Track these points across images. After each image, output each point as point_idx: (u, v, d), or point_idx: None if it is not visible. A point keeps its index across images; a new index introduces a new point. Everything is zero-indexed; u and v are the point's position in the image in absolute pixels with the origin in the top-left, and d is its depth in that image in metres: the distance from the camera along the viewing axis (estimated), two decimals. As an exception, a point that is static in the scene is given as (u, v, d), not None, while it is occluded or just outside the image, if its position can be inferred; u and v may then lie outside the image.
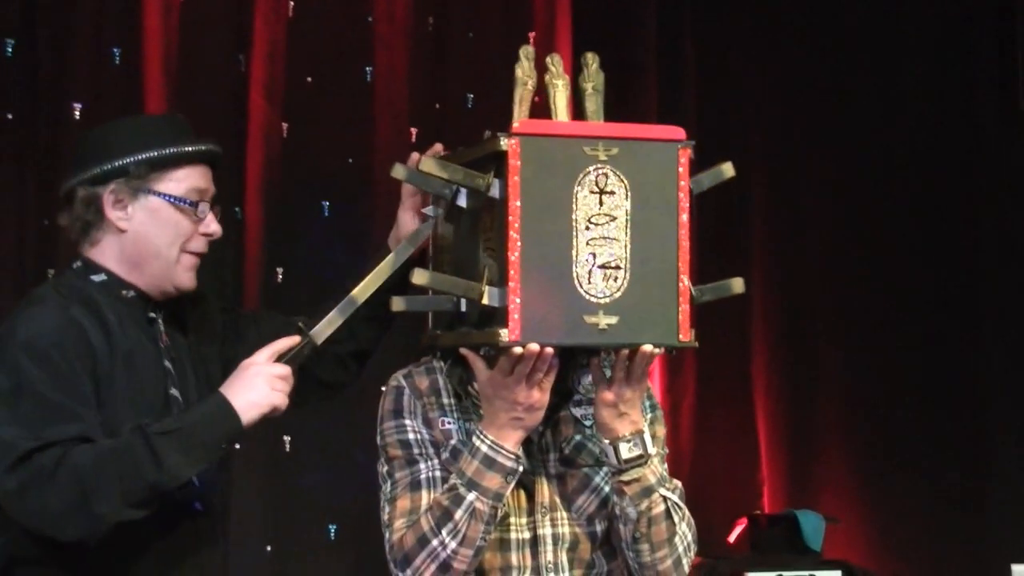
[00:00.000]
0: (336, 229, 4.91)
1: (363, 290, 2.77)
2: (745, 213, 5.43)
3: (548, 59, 2.55)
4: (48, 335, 2.67)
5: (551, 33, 5.11)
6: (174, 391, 2.81)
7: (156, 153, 2.77)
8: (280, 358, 2.71)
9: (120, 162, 2.76)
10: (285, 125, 4.88)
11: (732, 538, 5.07)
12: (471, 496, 2.58)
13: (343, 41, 4.97)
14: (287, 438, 4.73)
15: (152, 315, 2.84)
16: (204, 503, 2.82)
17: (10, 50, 4.60)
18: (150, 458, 2.58)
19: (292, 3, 4.88)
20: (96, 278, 2.80)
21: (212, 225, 2.84)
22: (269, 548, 4.71)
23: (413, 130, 4.98)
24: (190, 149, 2.79)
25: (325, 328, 2.74)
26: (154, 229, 2.76)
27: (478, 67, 5.06)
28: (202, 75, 4.83)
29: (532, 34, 5.10)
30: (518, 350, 2.46)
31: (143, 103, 4.72)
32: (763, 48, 5.50)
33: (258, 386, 2.67)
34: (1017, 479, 5.44)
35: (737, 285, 2.63)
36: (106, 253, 2.80)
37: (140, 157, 2.75)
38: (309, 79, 4.91)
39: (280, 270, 4.83)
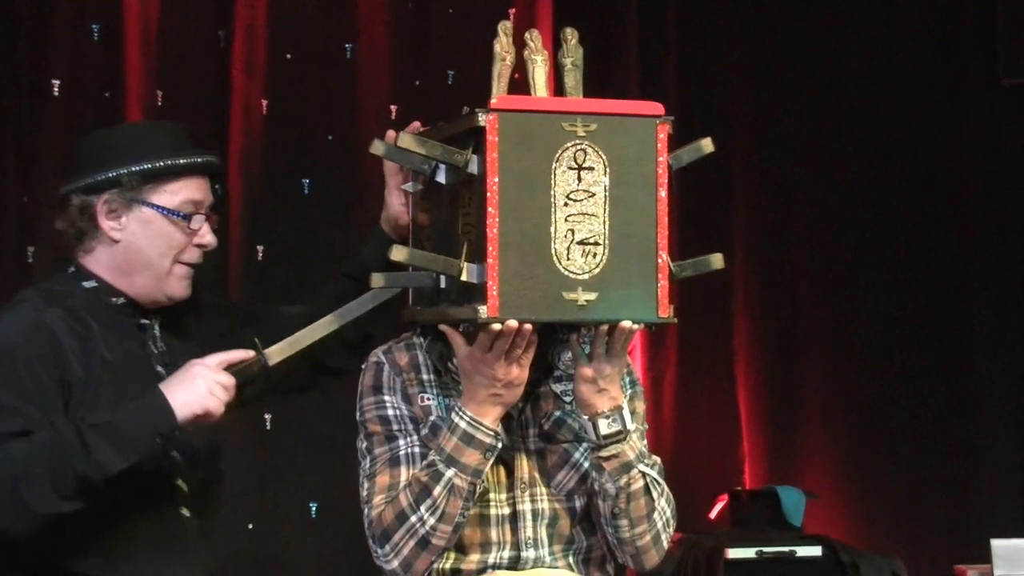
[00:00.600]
0: (317, 206, 4.89)
1: (319, 328, 2.74)
2: (727, 189, 5.42)
3: (527, 34, 2.55)
4: (11, 337, 2.68)
5: (532, 9, 5.09)
6: None
7: (150, 165, 2.78)
8: (230, 368, 2.70)
9: (114, 172, 2.78)
10: (265, 102, 4.86)
11: (713, 514, 5.08)
12: (450, 472, 2.59)
13: (323, 18, 4.94)
14: (268, 415, 4.73)
15: (144, 321, 2.85)
16: (188, 480, 2.82)
17: (-12, 26, 4.59)
18: (80, 449, 2.57)
19: (273, -22, 4.86)
20: (87, 284, 2.81)
21: (206, 236, 2.85)
22: (251, 526, 4.71)
23: (394, 107, 4.96)
24: (183, 161, 2.80)
25: (281, 351, 2.73)
26: (146, 240, 2.77)
27: (459, 44, 5.04)
28: (182, 52, 4.81)
29: (512, 10, 5.07)
30: (497, 326, 2.47)
31: (123, 79, 4.71)
32: (745, 23, 5.48)
33: (198, 388, 2.66)
34: (998, 453, 5.45)
35: (716, 261, 2.63)
36: (99, 261, 2.81)
37: (134, 168, 2.77)
38: (289, 56, 4.89)
39: (260, 247, 4.82)
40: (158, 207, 2.78)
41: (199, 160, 2.84)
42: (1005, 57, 5.42)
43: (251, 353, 2.71)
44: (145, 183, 2.77)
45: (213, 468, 2.92)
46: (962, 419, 5.47)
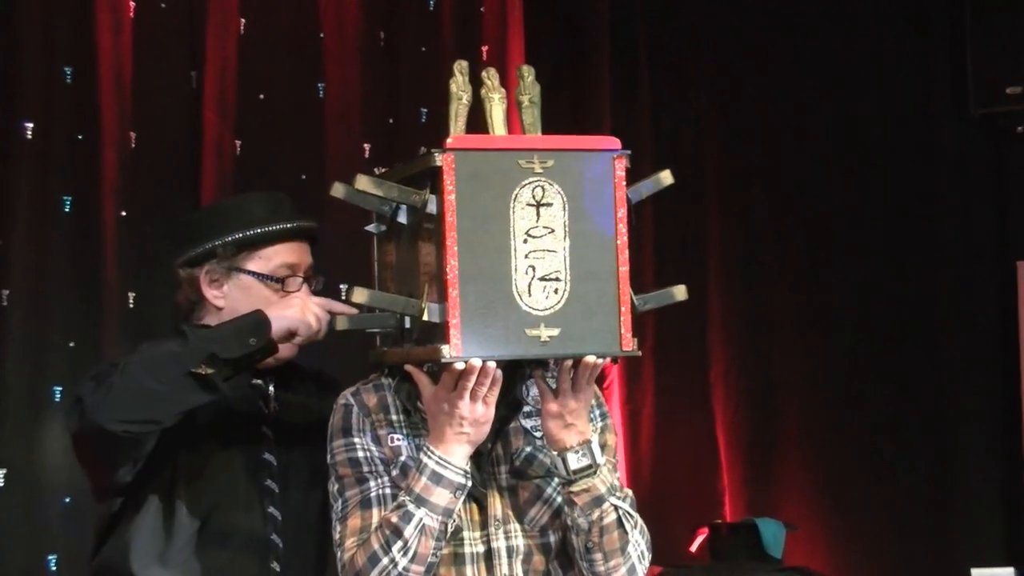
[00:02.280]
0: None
1: (377, 321, 2.72)
2: (701, 221, 5.43)
3: (484, 73, 2.56)
4: None
5: (503, 47, 5.11)
6: (268, 455, 2.97)
7: (242, 234, 2.95)
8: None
9: (210, 244, 2.95)
10: (238, 142, 4.85)
11: (694, 547, 5.08)
12: (420, 512, 2.58)
13: (295, 58, 4.95)
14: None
15: (257, 382, 3.00)
16: (283, 539, 2.96)
17: (-42, 70, 4.58)
18: (177, 342, 2.79)
19: (243, 20, 4.86)
20: None
21: (304, 296, 2.95)
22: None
23: (366, 145, 4.96)
24: (274, 228, 2.97)
25: (347, 322, 2.70)
26: (246, 305, 2.89)
27: (431, 81, 5.04)
28: (155, 93, 4.80)
29: (484, 47, 5.10)
30: (460, 365, 2.46)
31: (97, 122, 4.69)
32: (718, 56, 5.52)
33: (293, 306, 2.83)
34: (976, 484, 5.46)
35: (680, 292, 2.64)
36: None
37: (228, 239, 2.94)
38: (261, 96, 4.89)
39: (235, 287, 4.80)
40: (254, 273, 2.94)
41: (289, 226, 3.00)
42: (975, 87, 5.45)
43: (353, 310, 2.77)
44: (240, 251, 2.94)
45: (310, 531, 3.00)
46: (941, 449, 5.47)
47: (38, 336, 4.61)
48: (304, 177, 4.90)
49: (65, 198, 4.68)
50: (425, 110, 5.03)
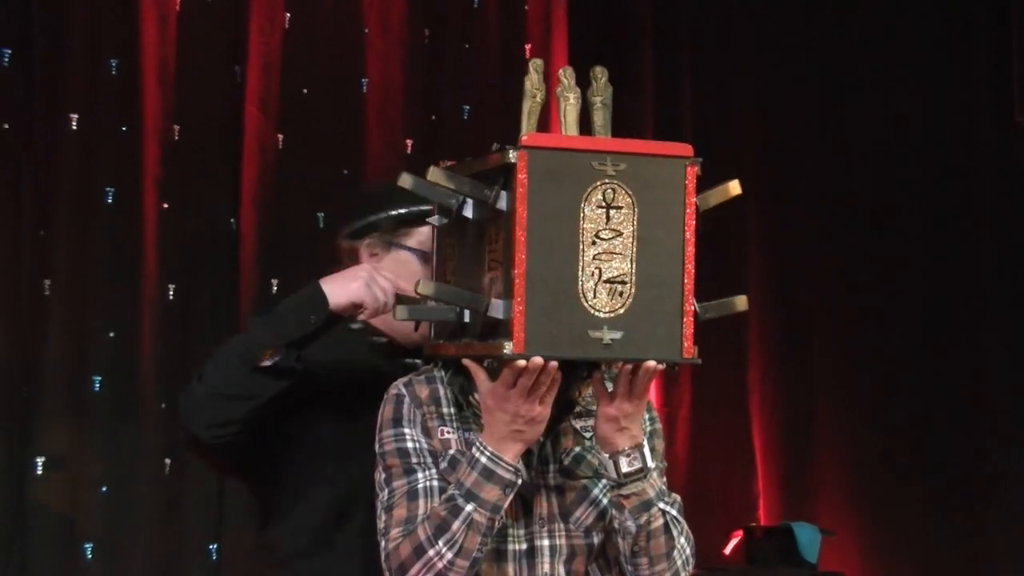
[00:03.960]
0: (331, 241, 4.87)
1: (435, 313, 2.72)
2: (742, 225, 5.43)
3: (560, 72, 2.54)
4: None
5: (547, 45, 5.11)
6: None
7: (405, 210, 2.97)
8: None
9: (373, 218, 2.99)
10: (280, 137, 4.87)
11: (728, 550, 5.07)
12: (469, 507, 2.57)
13: (338, 53, 4.96)
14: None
15: (408, 361, 2.99)
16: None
17: (7, 60, 4.60)
18: (241, 337, 2.82)
19: (288, 15, 4.88)
20: (355, 326, 3.00)
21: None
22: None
23: (408, 142, 4.97)
24: (426, 207, 2.95)
25: (402, 312, 2.66)
26: (401, 280, 2.90)
27: (473, 78, 5.06)
28: (198, 87, 4.82)
29: (528, 45, 5.10)
30: (522, 363, 2.45)
31: (141, 115, 4.72)
32: (760, 62, 5.51)
33: (358, 277, 2.82)
34: (1013, 491, 5.44)
35: (741, 303, 2.63)
36: None
37: (391, 213, 2.97)
38: (304, 91, 4.90)
39: (275, 281, 4.82)
40: (411, 249, 2.97)
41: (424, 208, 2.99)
42: (1020, 94, 5.44)
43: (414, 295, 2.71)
44: (400, 227, 2.97)
45: None
46: (978, 455, 5.46)
47: (79, 326, 4.64)
48: (346, 172, 4.92)
49: (108, 189, 4.71)
50: (467, 107, 5.04)
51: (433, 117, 5.04)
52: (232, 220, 4.81)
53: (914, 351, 5.47)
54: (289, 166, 4.88)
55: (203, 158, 4.81)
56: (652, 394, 5.11)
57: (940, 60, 5.56)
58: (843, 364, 5.45)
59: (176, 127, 4.76)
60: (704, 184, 2.58)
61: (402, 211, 2.99)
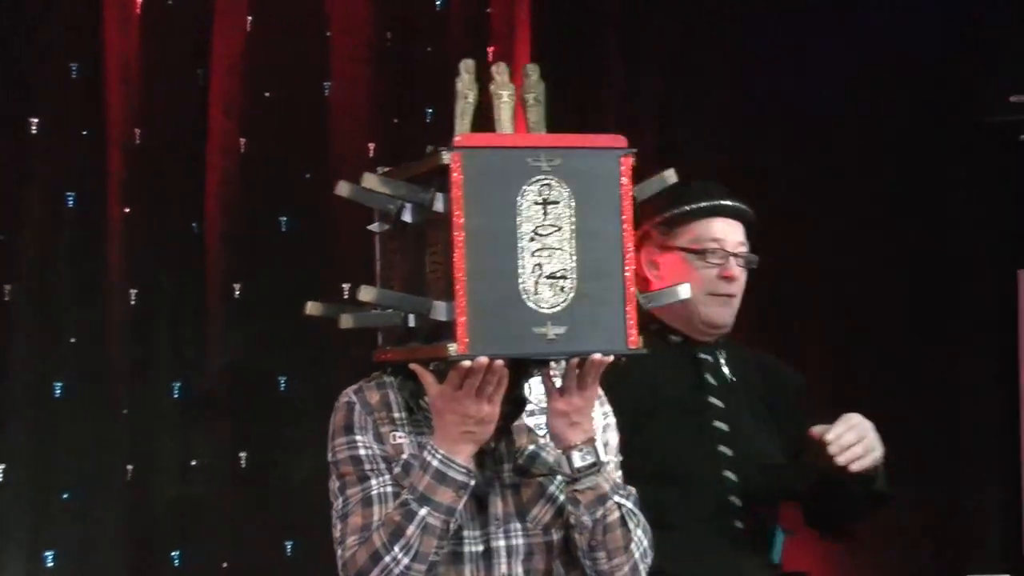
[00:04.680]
0: (294, 244, 4.89)
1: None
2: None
3: (494, 68, 2.56)
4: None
5: (510, 47, 5.11)
6: (718, 423, 3.25)
7: (674, 211, 3.25)
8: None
9: (644, 227, 3.25)
10: (243, 140, 4.86)
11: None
12: (423, 511, 2.57)
13: (301, 56, 4.95)
14: (243, 454, 4.72)
15: (702, 356, 3.29)
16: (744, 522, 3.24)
17: (-35, 64, 4.60)
18: None
19: (250, 18, 4.86)
20: (652, 327, 3.22)
21: (729, 269, 3.26)
22: (225, 564, 4.69)
23: (371, 145, 4.97)
24: (702, 205, 3.26)
25: (348, 321, 2.63)
26: (675, 278, 3.12)
27: (437, 82, 5.03)
28: (161, 90, 4.81)
29: (492, 48, 5.10)
30: (467, 363, 2.46)
31: (103, 118, 4.71)
32: (728, 59, 5.50)
33: None
34: (976, 493, 5.45)
35: (683, 291, 2.66)
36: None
37: (658, 219, 3.25)
38: (267, 94, 4.89)
39: (238, 286, 4.81)
40: (682, 248, 3.23)
41: (716, 203, 3.29)
42: (980, 95, 5.47)
43: None
44: (671, 229, 3.25)
45: (768, 487, 3.28)
46: (946, 454, 5.46)
47: (41, 332, 4.63)
48: (309, 176, 4.91)
49: (69, 194, 4.69)
50: (431, 110, 5.03)
51: (396, 120, 5.03)
52: (195, 224, 4.80)
53: (878, 353, 5.47)
54: (252, 170, 4.87)
55: (166, 162, 4.80)
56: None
57: (904, 62, 5.57)
58: (804, 365, 5.42)
59: (138, 131, 4.75)
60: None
61: (670, 213, 3.23)
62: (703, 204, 3.26)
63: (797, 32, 5.53)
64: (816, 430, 3.17)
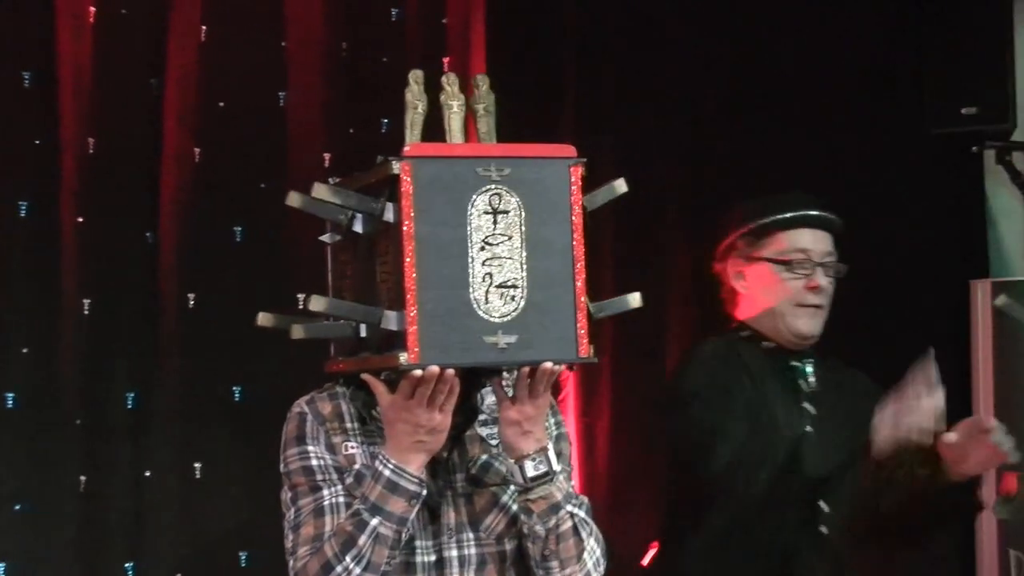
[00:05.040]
0: (249, 254, 4.88)
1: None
2: (661, 232, 5.44)
3: (443, 79, 2.57)
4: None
5: (466, 58, 5.11)
6: (809, 428, 3.30)
7: (759, 222, 3.32)
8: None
9: (730, 239, 3.37)
10: (198, 150, 4.84)
11: (646, 561, 5.07)
12: (375, 521, 2.58)
13: (256, 66, 4.94)
14: (197, 465, 4.70)
15: (794, 363, 3.35)
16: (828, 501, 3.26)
17: (-85, 73, 4.56)
18: None
19: (205, 27, 4.85)
20: (744, 334, 3.36)
21: (815, 280, 3.30)
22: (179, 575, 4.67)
23: (327, 155, 4.96)
24: (787, 215, 3.32)
25: (299, 331, 2.64)
26: (762, 289, 3.28)
27: (392, 92, 5.02)
28: (115, 99, 4.79)
29: (447, 59, 5.10)
30: (418, 372, 2.47)
31: (56, 127, 4.68)
32: (684, 73, 5.53)
33: None
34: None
35: (634, 300, 2.66)
36: (745, 314, 3.37)
37: (744, 230, 3.34)
38: (222, 104, 4.88)
39: (192, 296, 4.79)
40: (768, 259, 3.29)
41: (801, 213, 3.34)
42: (931, 107, 5.51)
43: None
44: (757, 240, 3.32)
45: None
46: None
47: (-7, 341, 4.60)
48: (264, 186, 4.89)
49: (21, 203, 4.67)
50: (387, 120, 5.02)
51: (352, 131, 5.02)
52: (149, 234, 4.78)
53: (834, 354, 5.49)
54: (207, 179, 4.85)
55: (120, 171, 4.78)
56: (570, 404, 5.15)
57: (856, 74, 5.61)
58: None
59: (91, 140, 4.73)
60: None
61: (756, 224, 3.29)
62: (788, 214, 3.30)
63: (749, 40, 5.56)
64: (950, 437, 3.15)
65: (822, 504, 3.32)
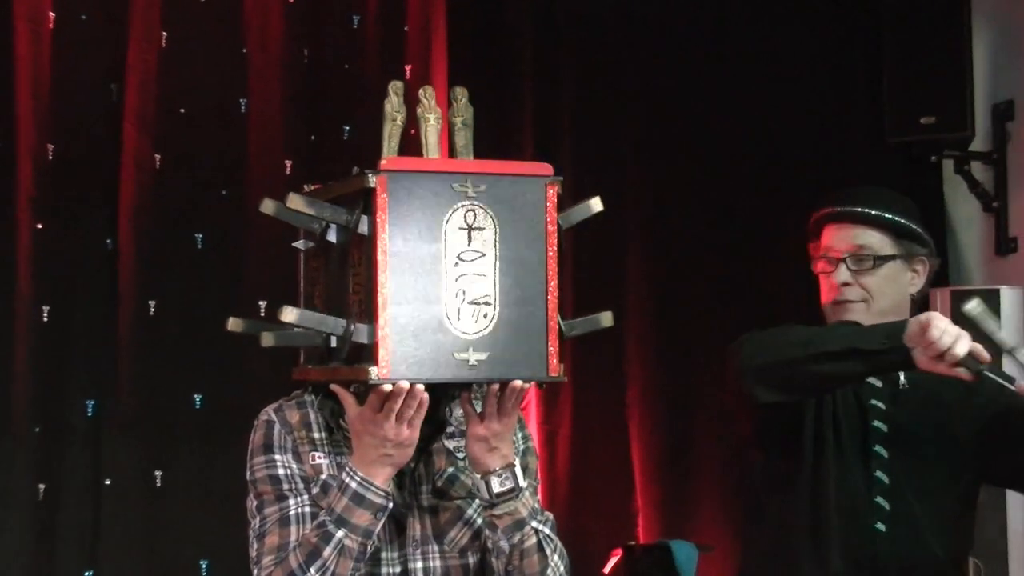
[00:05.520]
0: (210, 261, 4.86)
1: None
2: (622, 246, 5.46)
3: (421, 91, 2.55)
4: None
5: (427, 66, 5.11)
6: (879, 448, 3.12)
7: (809, 224, 3.29)
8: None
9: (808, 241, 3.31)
10: (158, 156, 4.82)
11: (607, 569, 5.09)
12: (340, 533, 2.56)
13: (217, 72, 4.93)
14: (158, 472, 4.68)
15: (870, 380, 3.18)
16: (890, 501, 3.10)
17: None
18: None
19: (165, 33, 4.83)
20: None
21: (834, 278, 3.21)
22: (141, 583, 4.66)
23: (288, 162, 4.95)
24: (819, 214, 3.26)
25: (268, 339, 2.57)
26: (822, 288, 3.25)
27: (353, 99, 5.04)
28: (74, 104, 4.77)
29: (408, 66, 5.10)
30: (387, 387, 2.45)
31: (14, 133, 4.65)
32: (641, 84, 5.54)
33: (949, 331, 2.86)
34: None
35: (606, 319, 2.65)
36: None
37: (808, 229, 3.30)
38: (182, 110, 4.86)
39: (152, 303, 4.77)
40: (815, 259, 3.26)
41: (830, 210, 3.24)
42: (890, 116, 5.54)
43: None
44: (810, 241, 3.28)
45: (920, 492, 3.12)
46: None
47: (-51, 348, 4.56)
48: (225, 192, 4.88)
49: (-21, 210, 4.63)
50: (347, 127, 5.02)
51: (313, 137, 5.02)
52: (109, 240, 4.76)
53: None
54: (167, 186, 4.83)
55: (79, 177, 4.75)
56: (532, 413, 5.16)
57: (816, 85, 5.64)
58: (721, 382, 5.47)
59: (51, 146, 4.70)
60: (575, 202, 2.60)
61: (808, 226, 3.26)
62: (818, 215, 3.27)
63: (708, 52, 5.58)
64: None
65: (880, 500, 3.16)
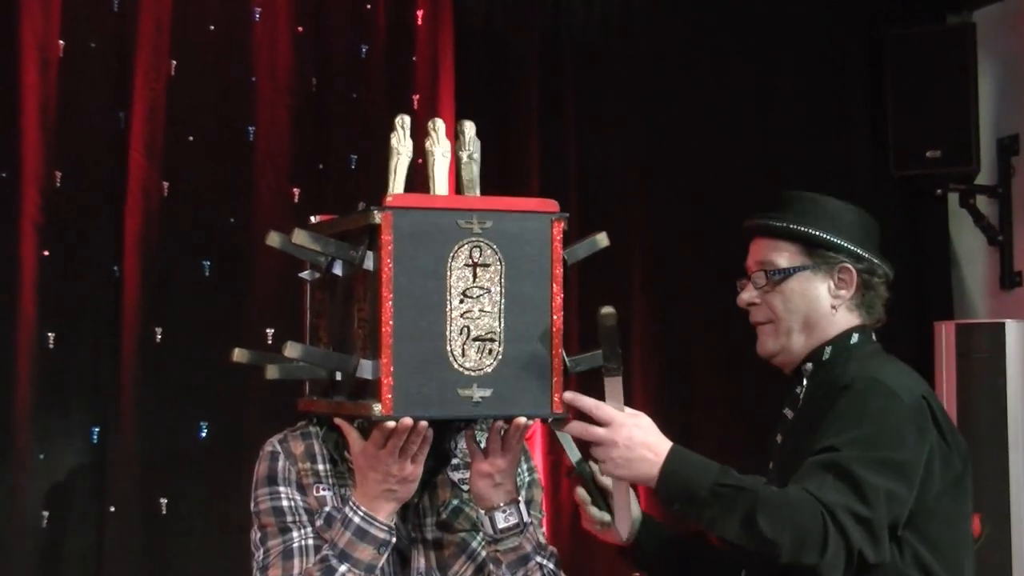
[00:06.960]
0: (217, 288, 4.86)
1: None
2: (624, 278, 5.45)
3: (430, 124, 2.54)
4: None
5: (434, 96, 5.12)
6: (778, 437, 3.06)
7: None
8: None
9: None
10: (166, 184, 4.82)
11: (611, 601, 5.07)
12: (343, 568, 2.56)
13: (225, 100, 4.93)
14: (164, 500, 4.67)
15: (796, 390, 3.06)
16: None
17: None
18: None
19: (174, 62, 4.84)
20: None
21: (738, 299, 3.07)
22: (145, 612, 4.64)
23: (295, 190, 4.95)
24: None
25: (273, 372, 2.59)
26: None
27: (361, 128, 5.05)
28: (81, 132, 4.76)
29: (416, 96, 5.10)
30: (391, 424, 2.45)
31: (19, 159, 4.65)
32: (647, 117, 5.55)
33: None
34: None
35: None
36: None
37: None
38: (190, 138, 4.86)
39: (159, 330, 4.76)
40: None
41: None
42: (895, 150, 5.55)
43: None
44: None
45: None
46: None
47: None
48: (232, 220, 4.88)
49: (-15, 236, 4.63)
50: (355, 156, 5.03)
51: (321, 166, 5.02)
52: (115, 268, 4.76)
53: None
54: (174, 213, 4.83)
55: (85, 205, 4.75)
56: (537, 443, 5.14)
57: (820, 119, 5.64)
58: (727, 412, 5.47)
59: (58, 173, 4.70)
60: (581, 236, 2.60)
61: None
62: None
63: (716, 84, 5.59)
64: None
65: None
